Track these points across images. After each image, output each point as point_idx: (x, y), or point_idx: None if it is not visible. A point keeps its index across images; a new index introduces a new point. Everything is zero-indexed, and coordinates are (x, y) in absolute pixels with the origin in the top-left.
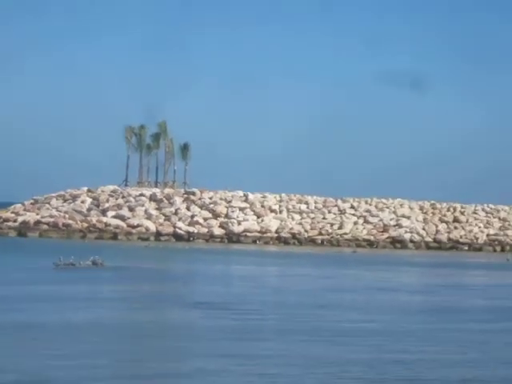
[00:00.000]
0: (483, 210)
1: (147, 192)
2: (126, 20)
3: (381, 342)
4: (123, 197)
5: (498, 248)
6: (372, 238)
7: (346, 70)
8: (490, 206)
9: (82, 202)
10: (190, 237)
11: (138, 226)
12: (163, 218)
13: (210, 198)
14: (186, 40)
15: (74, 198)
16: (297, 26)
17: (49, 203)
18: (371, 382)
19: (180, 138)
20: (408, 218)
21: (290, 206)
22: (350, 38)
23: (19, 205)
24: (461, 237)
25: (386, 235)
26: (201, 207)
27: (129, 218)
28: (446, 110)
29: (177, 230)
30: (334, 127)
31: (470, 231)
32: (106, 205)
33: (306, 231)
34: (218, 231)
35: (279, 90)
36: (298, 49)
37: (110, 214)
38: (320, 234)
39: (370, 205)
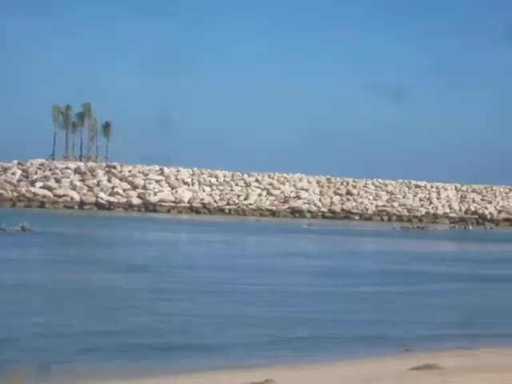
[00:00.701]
0: (373, 184)
1: (72, 165)
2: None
3: (282, 301)
4: (50, 169)
5: (386, 218)
6: (274, 208)
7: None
8: (379, 180)
9: (13, 173)
10: (110, 206)
11: (63, 195)
12: (86, 188)
13: (129, 172)
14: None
15: (5, 170)
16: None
17: None
18: (279, 339)
19: (103, 116)
20: (306, 190)
21: (202, 179)
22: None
23: None
24: (352, 208)
25: (286, 206)
26: (121, 179)
27: (55, 189)
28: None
29: (99, 199)
30: (238, 109)
31: (361, 203)
32: (35, 176)
33: (215, 201)
34: (136, 201)
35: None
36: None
37: (38, 184)
38: (228, 204)
39: (273, 179)
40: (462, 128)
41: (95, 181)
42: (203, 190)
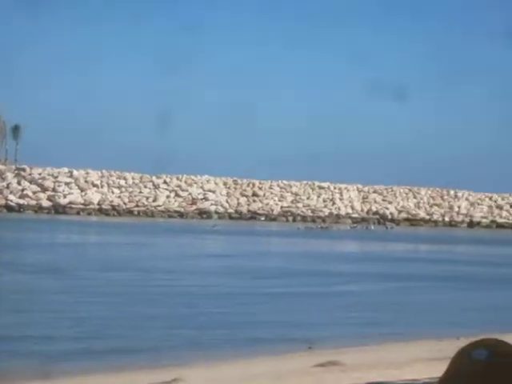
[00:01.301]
0: (278, 185)
1: None
2: None
3: (192, 302)
4: None
5: (291, 218)
6: (182, 209)
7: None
8: (284, 181)
9: None
10: (20, 208)
11: None
12: None
13: (39, 174)
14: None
15: None
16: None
17: None
18: (187, 339)
19: (12, 119)
20: (213, 192)
21: (111, 182)
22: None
23: None
24: (258, 209)
25: (194, 207)
26: (30, 182)
27: None
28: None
29: (8, 202)
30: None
31: (267, 204)
32: None
33: (124, 203)
34: (45, 203)
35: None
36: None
37: None
38: (137, 206)
39: (181, 181)
40: (361, 128)
41: (4, 183)
42: (112, 192)
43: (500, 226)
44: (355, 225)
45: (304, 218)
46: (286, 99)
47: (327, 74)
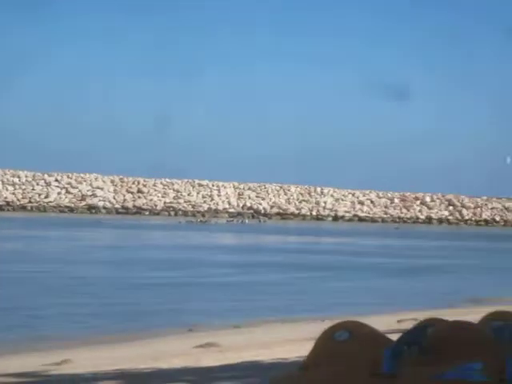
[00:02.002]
0: (161, 183)
1: None
2: None
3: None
4: None
5: (173, 213)
6: (72, 205)
7: None
8: (167, 180)
9: None
10: None
11: None
12: None
13: None
14: None
15: None
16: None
17: None
18: (74, 322)
19: None
20: (101, 189)
21: (5, 179)
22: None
23: None
24: (143, 204)
25: (83, 203)
26: None
27: None
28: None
29: None
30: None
31: (151, 200)
32: None
33: (18, 200)
34: None
35: None
36: None
37: None
38: (30, 202)
39: (71, 178)
40: (233, 128)
41: None
42: (6, 189)
43: (361, 219)
44: (232, 219)
45: (185, 213)
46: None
47: None
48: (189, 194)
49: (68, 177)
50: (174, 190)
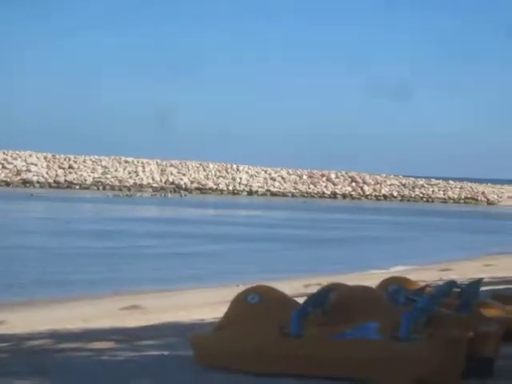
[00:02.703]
0: (90, 159)
1: None
2: None
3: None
4: None
5: (101, 187)
6: (8, 179)
7: None
8: (95, 156)
9: None
10: None
11: None
12: None
13: None
14: None
15: None
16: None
17: None
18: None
19: None
20: (35, 165)
21: None
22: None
23: None
24: (74, 179)
25: (19, 177)
26: None
27: None
28: None
29: None
30: None
31: (81, 175)
32: None
33: None
34: None
35: None
36: None
37: None
38: None
39: (7, 155)
40: (158, 108)
41: None
42: None
43: (273, 194)
44: (155, 193)
45: (112, 187)
46: None
47: None
48: (115, 170)
49: (4, 153)
50: (102, 166)
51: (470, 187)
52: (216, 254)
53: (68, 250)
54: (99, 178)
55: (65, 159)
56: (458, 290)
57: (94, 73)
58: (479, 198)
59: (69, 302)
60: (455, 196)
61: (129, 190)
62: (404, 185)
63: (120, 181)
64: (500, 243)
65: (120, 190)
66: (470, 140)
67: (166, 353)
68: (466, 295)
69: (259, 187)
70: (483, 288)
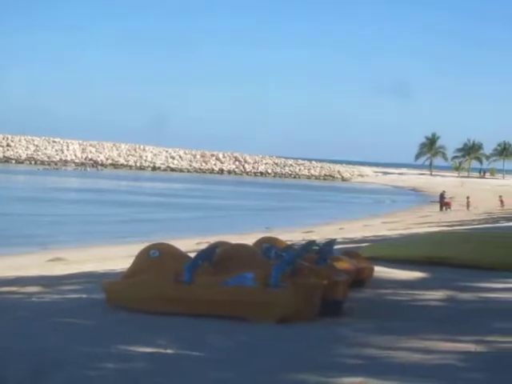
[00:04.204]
0: (24, 139)
1: None
2: None
3: None
4: None
5: (33, 162)
6: None
7: None
8: (28, 137)
9: None
10: None
11: None
12: None
13: None
14: None
15: None
16: None
17: None
18: None
19: None
20: None
21: None
22: None
23: None
24: (11, 155)
25: None
26: None
27: None
28: None
29: None
30: None
31: (17, 152)
32: None
33: None
34: None
35: None
36: None
37: None
38: None
39: None
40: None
41: None
42: None
43: (173, 169)
44: (77, 167)
45: (42, 162)
46: None
47: None
48: (45, 148)
49: None
50: (34, 144)
51: (329, 167)
52: (126, 218)
53: (4, 212)
54: (32, 154)
55: (3, 138)
56: (317, 247)
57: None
58: (335, 175)
59: (5, 255)
60: (317, 173)
61: (56, 164)
62: (277, 164)
63: (49, 157)
64: (350, 212)
65: (49, 164)
66: (327, 128)
67: (83, 296)
68: (323, 252)
69: (161, 164)
70: (336, 246)
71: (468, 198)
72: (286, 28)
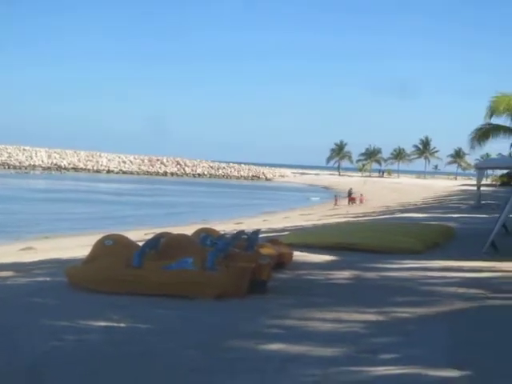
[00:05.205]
0: None
1: None
2: None
3: None
4: None
5: (7, 167)
6: None
7: None
8: (2, 145)
9: None
10: None
11: None
12: None
13: None
14: None
15: None
16: None
17: None
18: None
19: None
20: None
21: None
22: None
23: None
24: None
25: None
26: None
27: None
28: None
29: None
30: None
31: None
32: None
33: None
34: None
35: None
36: None
37: None
38: None
39: None
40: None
41: None
42: None
43: (124, 172)
44: (44, 171)
45: (15, 167)
46: None
47: None
48: (17, 155)
49: None
50: (7, 152)
51: (255, 169)
52: (85, 213)
53: None
54: (5, 160)
55: None
56: (245, 236)
57: None
58: (261, 176)
59: None
60: (245, 175)
61: (26, 168)
62: (212, 167)
63: (20, 162)
64: (273, 206)
65: (20, 168)
66: (255, 134)
67: (49, 279)
68: (250, 240)
69: (114, 167)
70: (261, 235)
71: (361, 195)
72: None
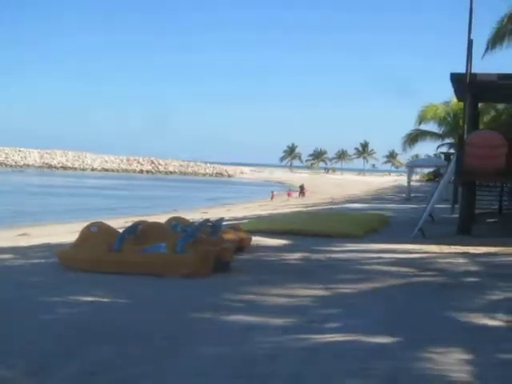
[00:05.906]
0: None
1: None
2: None
3: None
4: None
5: (4, 166)
6: None
7: None
8: (1, 148)
9: None
10: None
11: None
12: None
13: None
14: None
15: None
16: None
17: None
18: None
19: None
20: None
21: None
22: None
23: None
24: None
25: None
26: None
27: None
28: None
29: None
30: None
31: None
32: None
33: None
34: None
35: None
36: None
37: None
38: None
39: None
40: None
41: None
42: None
43: (106, 170)
44: (37, 169)
45: (11, 166)
46: None
47: None
48: (13, 155)
49: None
50: (4, 153)
51: (219, 167)
52: (73, 205)
53: None
54: (3, 160)
55: None
56: (211, 224)
57: None
58: (224, 173)
59: None
60: (210, 172)
61: (21, 166)
62: (182, 165)
63: (16, 162)
64: (234, 198)
65: (16, 167)
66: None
67: (42, 261)
68: (215, 227)
69: (98, 166)
70: (224, 223)
71: (304, 189)
72: None
